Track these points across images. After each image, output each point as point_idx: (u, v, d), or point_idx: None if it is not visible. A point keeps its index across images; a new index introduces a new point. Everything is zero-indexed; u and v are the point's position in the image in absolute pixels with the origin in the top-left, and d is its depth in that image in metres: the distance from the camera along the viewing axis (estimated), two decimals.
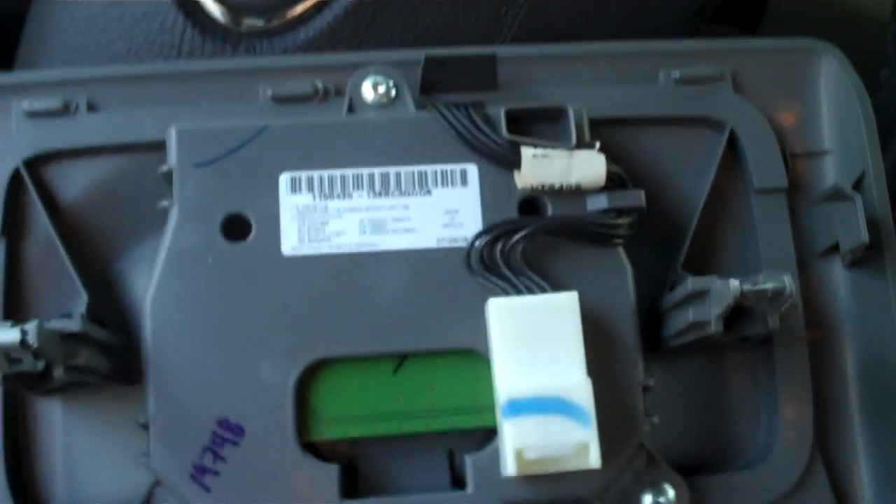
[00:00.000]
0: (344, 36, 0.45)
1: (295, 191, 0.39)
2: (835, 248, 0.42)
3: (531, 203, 0.39)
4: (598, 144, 0.39)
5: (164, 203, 0.39)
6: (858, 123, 0.42)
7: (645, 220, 0.40)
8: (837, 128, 0.43)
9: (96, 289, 0.40)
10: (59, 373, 0.35)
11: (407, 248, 0.38)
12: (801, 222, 0.43)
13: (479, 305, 0.37)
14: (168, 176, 0.39)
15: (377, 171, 0.39)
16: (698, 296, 0.37)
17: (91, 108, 0.41)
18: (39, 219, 0.40)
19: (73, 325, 0.36)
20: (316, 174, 0.39)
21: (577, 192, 0.39)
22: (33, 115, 0.41)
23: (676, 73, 0.43)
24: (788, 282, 0.35)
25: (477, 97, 0.41)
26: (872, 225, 0.40)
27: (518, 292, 0.37)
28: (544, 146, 0.39)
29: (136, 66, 0.43)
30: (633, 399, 0.38)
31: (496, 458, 0.37)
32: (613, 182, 0.39)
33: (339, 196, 0.39)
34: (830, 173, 0.43)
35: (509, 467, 0.35)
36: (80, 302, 0.39)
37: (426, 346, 0.38)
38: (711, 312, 0.36)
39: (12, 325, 0.33)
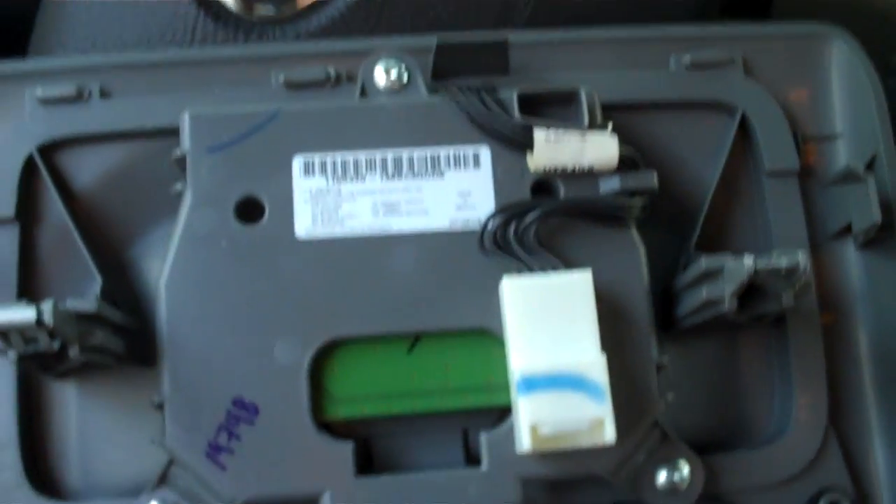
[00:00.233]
0: (355, 23, 0.45)
1: (308, 174, 0.39)
2: (847, 230, 0.42)
3: (544, 185, 0.39)
4: (610, 126, 0.39)
5: (178, 187, 0.39)
6: (870, 106, 0.42)
7: (657, 204, 0.40)
8: (849, 111, 0.43)
9: (110, 273, 0.40)
10: (74, 353, 0.35)
11: (420, 230, 0.38)
12: (812, 205, 0.43)
13: (493, 285, 0.37)
14: (181, 161, 0.39)
15: (390, 153, 0.39)
16: (712, 274, 0.37)
17: (104, 94, 0.42)
18: (54, 205, 0.41)
19: (88, 304, 0.36)
20: (329, 157, 0.39)
21: (590, 175, 0.39)
22: (47, 101, 0.41)
23: (687, 58, 0.43)
24: (802, 258, 0.35)
25: (488, 82, 0.41)
26: (885, 207, 0.40)
27: (531, 272, 0.37)
28: (557, 128, 0.39)
29: (149, 53, 0.43)
30: (647, 377, 0.38)
31: (511, 435, 0.37)
32: (626, 164, 0.39)
33: (352, 179, 0.39)
34: (842, 156, 0.43)
35: (525, 443, 0.35)
36: (95, 285, 0.39)
37: (440, 325, 0.38)
38: (725, 290, 0.36)
39: (28, 305, 0.33)
